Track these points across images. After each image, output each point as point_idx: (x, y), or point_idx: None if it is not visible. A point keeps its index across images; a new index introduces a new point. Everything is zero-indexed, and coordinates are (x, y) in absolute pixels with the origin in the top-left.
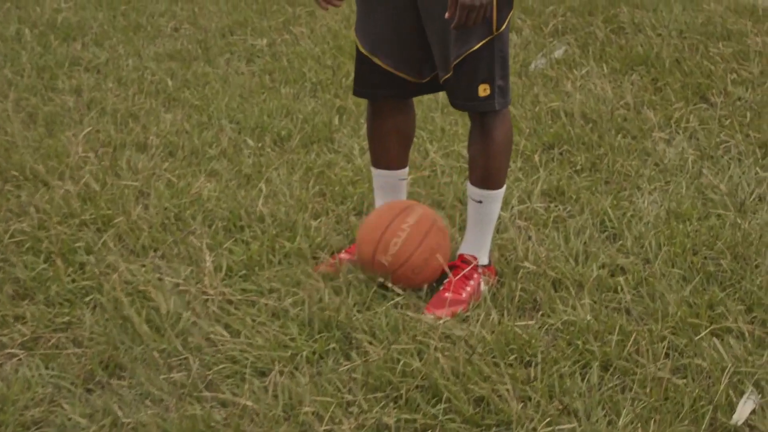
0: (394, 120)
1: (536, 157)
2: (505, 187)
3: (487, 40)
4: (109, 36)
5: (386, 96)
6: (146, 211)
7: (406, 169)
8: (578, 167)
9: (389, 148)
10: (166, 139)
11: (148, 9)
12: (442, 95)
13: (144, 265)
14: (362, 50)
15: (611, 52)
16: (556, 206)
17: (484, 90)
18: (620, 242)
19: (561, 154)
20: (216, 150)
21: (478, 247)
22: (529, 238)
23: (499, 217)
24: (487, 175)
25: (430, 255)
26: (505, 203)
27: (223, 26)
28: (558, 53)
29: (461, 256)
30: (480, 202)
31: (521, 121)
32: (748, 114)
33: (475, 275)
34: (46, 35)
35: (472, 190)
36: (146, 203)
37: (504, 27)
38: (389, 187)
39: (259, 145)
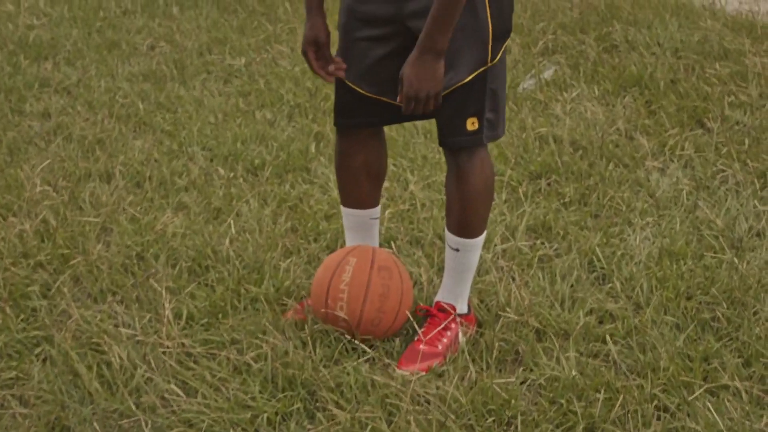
0: (365, 156)
1: (522, 189)
2: (485, 234)
3: (479, 72)
4: (83, 55)
5: (365, 124)
6: (107, 250)
7: (378, 208)
8: (566, 199)
9: (359, 185)
10: (133, 169)
11: (124, 25)
12: (425, 122)
13: (101, 311)
14: (345, 81)
15: (603, 73)
16: (542, 243)
17: (472, 124)
18: (609, 285)
19: (549, 184)
20: (185, 180)
21: (456, 294)
22: (513, 280)
23: (481, 257)
24: (464, 223)
25: (382, 303)
26: (488, 241)
27: (200, 44)
28: (547, 74)
29: (437, 303)
30: (457, 250)
31: (507, 149)
32: (746, 140)
33: (453, 325)
34: (16, 54)
35: (449, 237)
36: (108, 240)
37: (499, 57)
38: (360, 227)
39: (231, 175)
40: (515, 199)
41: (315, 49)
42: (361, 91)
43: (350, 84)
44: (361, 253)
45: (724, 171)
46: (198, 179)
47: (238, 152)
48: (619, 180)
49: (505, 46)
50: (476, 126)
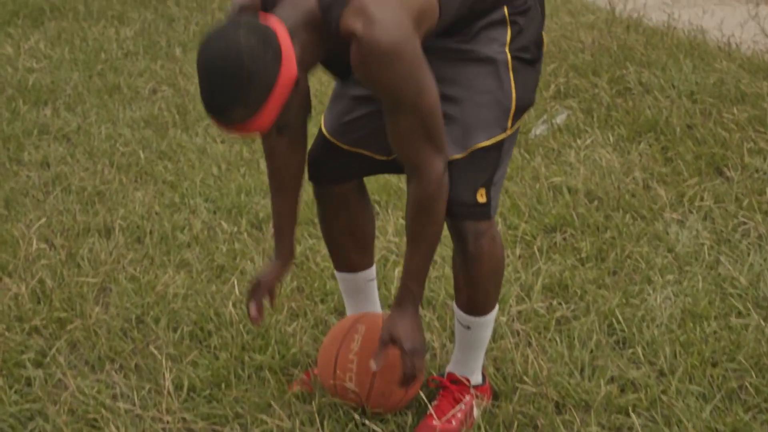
0: (346, 218)
1: (537, 244)
2: (497, 308)
3: (496, 140)
4: (83, 99)
5: (341, 177)
6: (106, 312)
7: (372, 269)
8: (583, 255)
9: (346, 249)
10: (133, 223)
11: (126, 68)
12: None
13: (98, 381)
14: (323, 130)
15: (617, 117)
16: (559, 303)
17: (481, 195)
18: (631, 350)
19: (564, 239)
20: (187, 235)
21: (469, 367)
22: (529, 344)
23: (495, 320)
24: (473, 302)
25: (393, 373)
26: (503, 302)
27: None
28: (560, 119)
29: (450, 374)
30: (468, 327)
31: (520, 200)
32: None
33: (467, 397)
34: (15, 99)
35: (459, 314)
36: (106, 301)
37: (516, 127)
38: (355, 291)
39: (235, 229)
40: (529, 255)
41: (258, 288)
42: (338, 143)
43: (327, 135)
44: (370, 321)
45: (745, 223)
46: (200, 234)
47: (242, 204)
48: (637, 234)
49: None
50: (485, 198)
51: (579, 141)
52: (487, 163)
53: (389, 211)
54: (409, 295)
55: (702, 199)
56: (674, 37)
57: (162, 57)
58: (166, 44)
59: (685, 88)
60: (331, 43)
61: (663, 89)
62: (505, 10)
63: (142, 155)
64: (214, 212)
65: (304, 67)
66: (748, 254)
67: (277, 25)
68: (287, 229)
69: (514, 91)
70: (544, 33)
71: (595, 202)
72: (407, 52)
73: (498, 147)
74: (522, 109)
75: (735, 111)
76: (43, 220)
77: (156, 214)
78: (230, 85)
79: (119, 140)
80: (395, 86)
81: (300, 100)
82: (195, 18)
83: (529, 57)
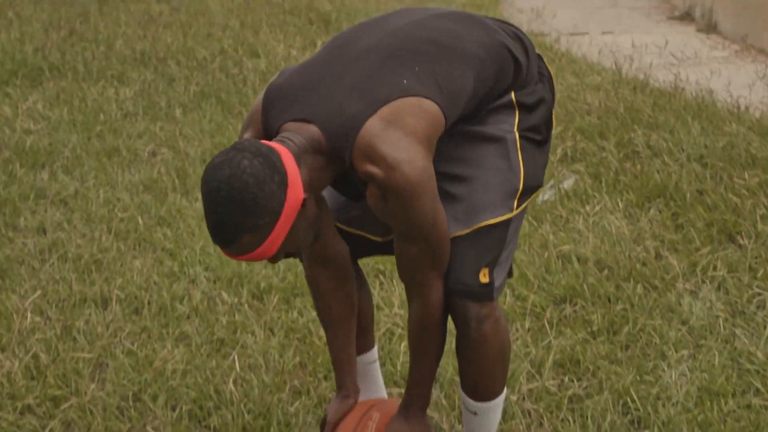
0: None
1: (546, 316)
2: (505, 392)
3: (502, 219)
4: (81, 162)
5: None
6: (102, 389)
7: (374, 350)
8: (594, 328)
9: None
10: (131, 294)
11: (125, 129)
12: None
13: None
14: None
15: (626, 182)
16: (570, 380)
17: (484, 275)
18: (647, 430)
19: (574, 311)
20: (186, 307)
21: None
22: (541, 425)
23: (505, 398)
24: (479, 388)
25: None
26: (513, 379)
27: (204, 150)
28: (567, 183)
29: None
30: (475, 413)
31: (528, 269)
32: None
33: None
34: (12, 162)
35: (465, 399)
36: (103, 377)
37: (524, 206)
38: (359, 375)
39: (236, 300)
40: (539, 328)
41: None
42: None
43: None
44: (384, 408)
45: (760, 294)
46: (200, 305)
47: (243, 274)
48: (649, 306)
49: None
50: (487, 278)
51: (587, 207)
52: (492, 243)
53: (394, 281)
54: (415, 399)
55: (715, 269)
56: (682, 99)
57: (162, 118)
58: (166, 105)
59: (694, 152)
60: (340, 171)
61: (672, 153)
62: (513, 95)
63: (140, 221)
64: (214, 282)
65: (313, 190)
66: (765, 327)
67: (282, 149)
68: (347, 363)
69: (522, 170)
70: (554, 113)
71: (606, 272)
72: (427, 189)
73: (504, 226)
74: (530, 189)
75: (746, 176)
76: (39, 292)
77: (154, 283)
78: (236, 213)
79: (118, 205)
80: (412, 220)
81: (317, 225)
82: (195, 78)
83: (539, 138)
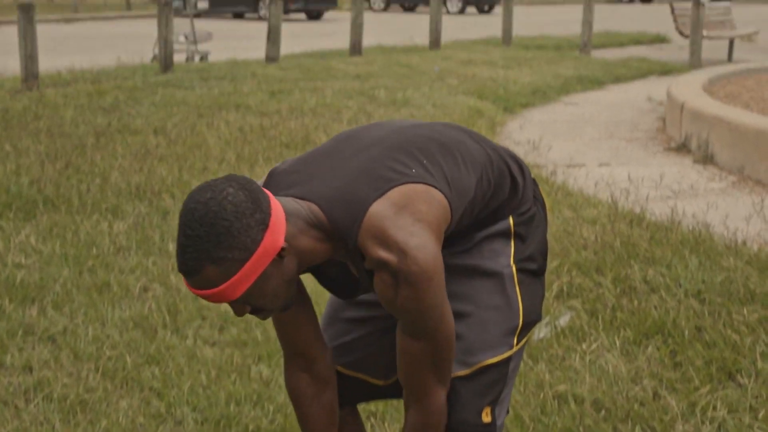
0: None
1: None
2: None
3: (503, 356)
4: (71, 298)
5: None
6: None
7: None
8: None
9: None
10: None
11: (117, 264)
12: None
13: None
14: None
15: (623, 318)
16: None
17: (486, 415)
18: None
19: None
20: None
21: None
22: None
23: None
24: None
25: None
26: None
27: None
28: (563, 320)
29: None
30: None
31: (523, 410)
32: None
33: None
34: (1, 297)
35: None
36: None
37: (524, 342)
38: None
39: None
40: None
41: None
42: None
43: None
44: None
45: None
46: None
47: (232, 415)
48: None
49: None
50: (490, 418)
51: (584, 345)
52: (493, 381)
53: (386, 424)
54: None
55: (715, 409)
56: (679, 232)
57: (155, 253)
58: (160, 239)
59: (691, 287)
60: (334, 253)
61: (669, 288)
62: (511, 220)
63: (128, 360)
64: (202, 423)
65: (298, 256)
66: None
67: (273, 199)
68: None
69: (521, 306)
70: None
71: (603, 413)
72: (440, 279)
73: (505, 364)
74: (529, 325)
75: (745, 312)
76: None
77: (140, 425)
78: (206, 237)
79: (106, 342)
80: (421, 312)
81: (301, 316)
82: None
83: (535, 267)
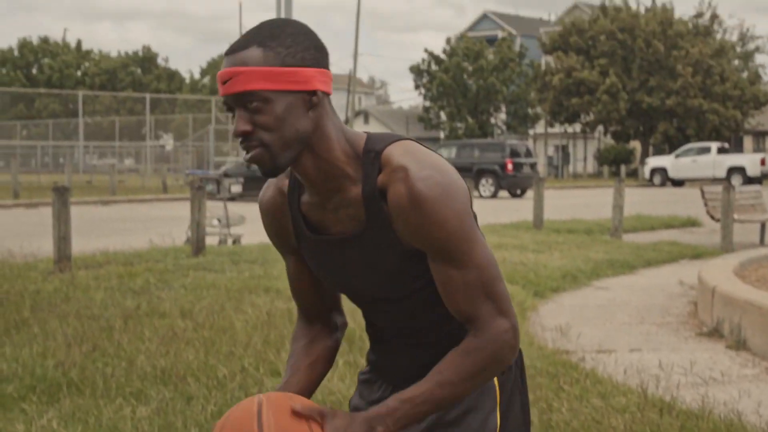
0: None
1: None
2: None
3: None
4: None
5: None
6: None
7: None
8: None
9: None
10: None
11: None
12: None
13: None
14: None
15: None
16: None
17: None
18: None
19: None
20: None
21: None
22: None
23: None
24: None
25: None
26: None
27: None
28: None
29: None
30: None
31: None
32: None
33: None
34: None
35: None
36: None
37: None
38: None
39: None
40: None
41: None
42: None
43: None
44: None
45: None
46: None
47: None
48: None
49: None
50: None
51: None
52: None
53: None
54: (388, 415)
55: None
56: (710, 421)
57: None
58: (183, 425)
59: None
60: (346, 186)
61: None
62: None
63: None
64: None
65: (317, 130)
66: None
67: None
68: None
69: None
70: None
71: None
72: (460, 195)
73: None
74: None
75: None
76: None
77: None
78: (267, 28)
79: None
80: (446, 230)
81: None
82: (214, 397)
83: None
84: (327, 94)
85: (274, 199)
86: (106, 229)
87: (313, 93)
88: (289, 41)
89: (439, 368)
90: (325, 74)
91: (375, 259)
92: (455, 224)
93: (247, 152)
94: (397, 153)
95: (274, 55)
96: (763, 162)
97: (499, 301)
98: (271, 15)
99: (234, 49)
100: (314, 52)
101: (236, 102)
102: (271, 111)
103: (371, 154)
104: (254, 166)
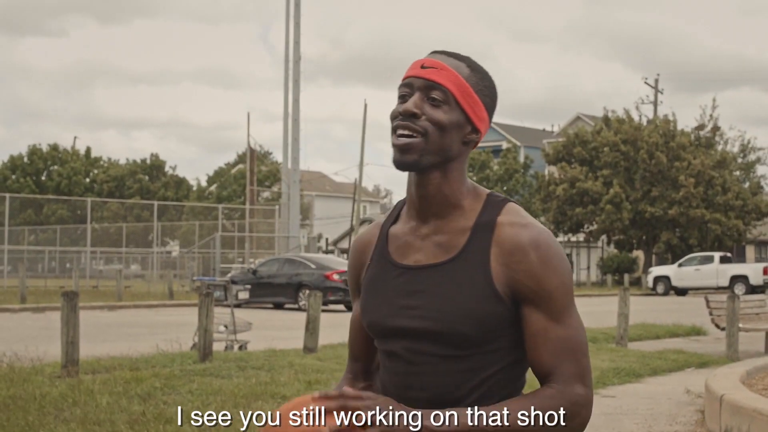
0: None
1: None
2: None
3: None
4: None
5: None
6: None
7: None
8: None
9: None
10: None
11: None
12: None
13: None
14: None
15: None
16: None
17: None
18: None
19: None
20: None
21: None
22: None
23: None
24: None
25: None
26: None
27: None
28: None
29: None
30: None
31: None
32: None
33: None
34: None
35: None
36: None
37: None
38: None
39: None
40: None
41: None
42: None
43: None
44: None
45: None
46: None
47: None
48: None
49: None
50: None
51: None
52: None
53: None
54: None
55: None
56: None
57: None
58: None
59: None
60: (465, 204)
61: None
62: None
63: None
64: None
65: (458, 166)
66: None
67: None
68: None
69: None
70: None
71: None
72: (568, 262)
73: None
74: None
75: None
76: None
77: None
78: (472, 62)
79: None
80: (557, 279)
81: None
82: None
83: None
84: (476, 145)
85: (370, 231)
86: (112, 334)
87: (477, 132)
88: (487, 83)
89: (501, 404)
90: (486, 129)
91: (453, 292)
92: (566, 279)
93: (400, 136)
94: (522, 209)
95: (476, 81)
96: (765, 271)
97: (584, 369)
98: (278, 126)
99: (448, 54)
100: (492, 109)
101: (423, 88)
102: (445, 113)
103: (498, 198)
104: (260, 273)
